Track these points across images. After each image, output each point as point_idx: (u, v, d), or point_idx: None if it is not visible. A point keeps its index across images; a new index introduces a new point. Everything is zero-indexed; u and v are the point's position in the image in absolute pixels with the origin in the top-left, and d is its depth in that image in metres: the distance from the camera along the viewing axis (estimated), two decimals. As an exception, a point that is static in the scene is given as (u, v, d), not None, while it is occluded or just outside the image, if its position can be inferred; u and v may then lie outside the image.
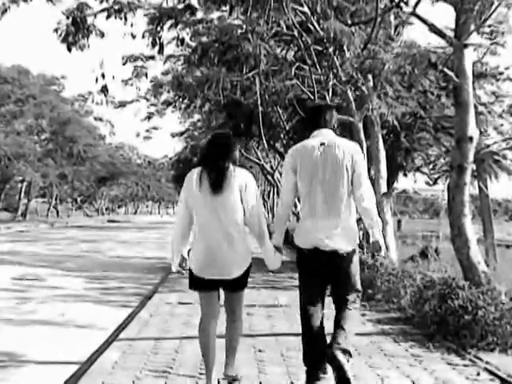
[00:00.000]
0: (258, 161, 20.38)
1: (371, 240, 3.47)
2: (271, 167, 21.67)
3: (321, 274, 3.47)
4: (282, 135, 15.34)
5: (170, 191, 67.94)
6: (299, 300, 3.57)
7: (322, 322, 3.51)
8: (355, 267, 3.51)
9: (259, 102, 11.89)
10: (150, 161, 62.52)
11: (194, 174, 3.45)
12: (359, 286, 3.53)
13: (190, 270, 3.49)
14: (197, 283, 3.48)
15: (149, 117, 18.69)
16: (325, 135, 3.55)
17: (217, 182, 3.37)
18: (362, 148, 9.20)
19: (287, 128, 14.34)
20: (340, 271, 3.46)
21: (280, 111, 13.84)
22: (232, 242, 3.39)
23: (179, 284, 8.38)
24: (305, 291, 3.53)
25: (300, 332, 3.55)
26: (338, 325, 3.41)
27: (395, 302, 6.66)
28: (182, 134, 25.29)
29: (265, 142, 14.53)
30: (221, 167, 3.39)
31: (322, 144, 3.50)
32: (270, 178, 22.50)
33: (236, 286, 3.51)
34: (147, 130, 23.01)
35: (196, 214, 3.44)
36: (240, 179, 3.41)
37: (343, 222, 3.43)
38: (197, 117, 22.05)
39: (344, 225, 3.43)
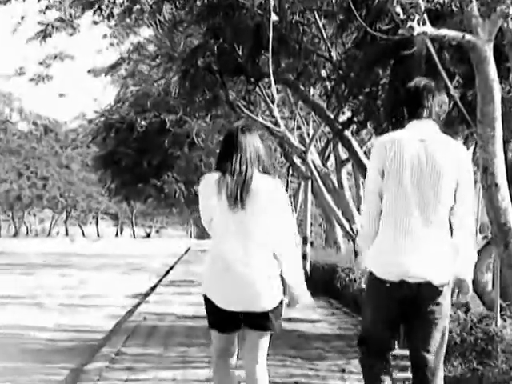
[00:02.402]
0: (273, 126, 19.86)
1: (458, 277, 5.08)
2: (301, 138, 21.35)
3: (399, 314, 5.12)
4: (323, 71, 15.26)
5: (91, 190, 68.46)
6: (359, 346, 5.32)
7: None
8: (447, 307, 5.13)
9: (273, 4, 11.86)
10: (49, 126, 62.98)
11: (212, 179, 5.39)
12: (446, 337, 5.18)
13: (205, 300, 5.44)
14: (216, 318, 5.41)
15: (44, 34, 18.66)
16: (425, 129, 5.16)
17: (237, 195, 5.29)
18: (493, 97, 9.26)
19: (334, 57, 14.28)
20: (426, 311, 5.06)
21: (320, 22, 13.79)
22: (257, 266, 5.29)
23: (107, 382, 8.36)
24: (372, 333, 5.22)
25: None
26: None
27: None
28: (112, 68, 25.31)
29: (273, 88, 14.45)
30: (244, 176, 5.32)
31: (422, 141, 5.08)
32: (297, 161, 22.38)
33: (265, 323, 5.36)
34: (41, 63, 22.98)
35: (213, 228, 5.43)
36: (268, 190, 5.35)
37: (440, 245, 5.05)
38: (146, 33, 22.13)
39: (440, 249, 5.04)
